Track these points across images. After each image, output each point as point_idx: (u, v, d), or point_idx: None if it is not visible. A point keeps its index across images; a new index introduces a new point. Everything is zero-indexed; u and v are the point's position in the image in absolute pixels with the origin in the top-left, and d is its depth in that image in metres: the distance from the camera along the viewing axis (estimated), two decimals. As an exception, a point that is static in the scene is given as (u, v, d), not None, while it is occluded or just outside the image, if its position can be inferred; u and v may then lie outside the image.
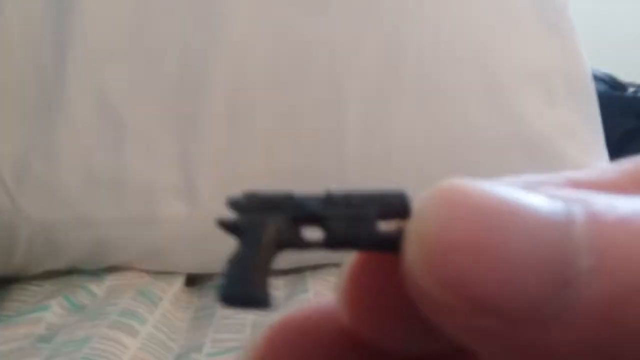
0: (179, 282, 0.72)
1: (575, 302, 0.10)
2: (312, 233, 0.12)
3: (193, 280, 0.75)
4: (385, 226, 0.12)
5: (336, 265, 0.73)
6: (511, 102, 0.79)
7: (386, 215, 0.12)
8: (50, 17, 0.73)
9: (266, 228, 0.12)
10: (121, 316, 0.62)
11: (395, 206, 0.12)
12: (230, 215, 0.12)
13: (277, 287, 0.72)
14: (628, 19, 1.71)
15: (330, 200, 0.12)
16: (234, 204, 0.12)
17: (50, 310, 0.65)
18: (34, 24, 0.73)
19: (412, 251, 0.11)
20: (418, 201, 0.11)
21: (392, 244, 0.12)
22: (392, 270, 0.12)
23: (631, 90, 1.19)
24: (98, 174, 0.71)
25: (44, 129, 0.71)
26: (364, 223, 0.12)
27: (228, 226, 0.12)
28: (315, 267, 0.73)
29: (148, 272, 0.72)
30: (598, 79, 1.11)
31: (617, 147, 0.93)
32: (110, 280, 0.70)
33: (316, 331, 0.14)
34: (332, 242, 0.12)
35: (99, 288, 0.69)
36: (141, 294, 0.67)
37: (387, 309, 0.13)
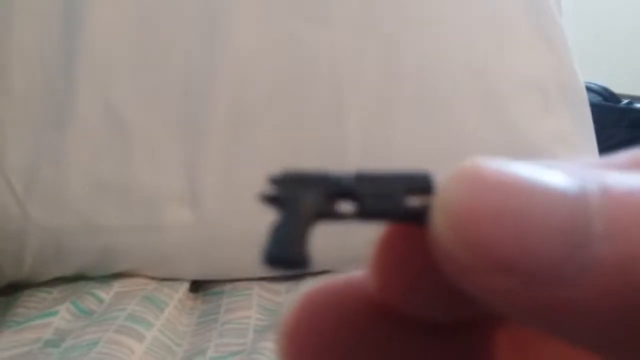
0: (183, 288, 0.73)
1: (590, 262, 0.11)
2: (346, 206, 0.14)
3: (197, 286, 0.76)
4: (412, 201, 0.13)
5: (336, 273, 0.74)
6: (507, 111, 0.81)
7: (413, 192, 0.13)
8: (59, 29, 0.74)
9: (305, 200, 0.13)
10: (128, 321, 0.63)
11: (421, 184, 0.13)
12: (270, 190, 0.14)
13: (279, 293, 0.74)
14: (621, 31, 1.74)
15: (361, 178, 0.13)
16: (274, 180, 0.14)
17: (58, 315, 0.66)
18: (43, 35, 0.74)
19: (439, 220, 0.12)
20: (444, 177, 0.12)
21: (419, 216, 0.13)
22: (419, 241, 0.13)
23: (624, 102, 1.20)
24: (105, 181, 0.72)
25: (53, 138, 0.72)
26: (393, 198, 0.13)
27: (269, 199, 0.13)
28: (316, 274, 0.74)
29: (154, 278, 0.74)
30: (592, 90, 1.13)
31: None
32: (117, 287, 0.72)
33: (346, 300, 0.15)
34: (365, 214, 0.13)
35: (106, 294, 0.70)
36: (147, 299, 0.68)
37: (413, 276, 0.14)
